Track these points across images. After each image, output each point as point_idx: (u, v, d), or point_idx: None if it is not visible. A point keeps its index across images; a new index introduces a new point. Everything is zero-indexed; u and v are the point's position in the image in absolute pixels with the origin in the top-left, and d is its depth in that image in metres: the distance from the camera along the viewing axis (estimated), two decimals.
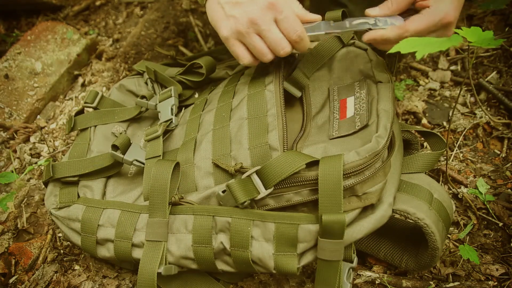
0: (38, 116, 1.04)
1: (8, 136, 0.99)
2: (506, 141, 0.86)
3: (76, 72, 1.11)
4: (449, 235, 0.75)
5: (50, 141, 0.98)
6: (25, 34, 1.10)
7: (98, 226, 0.64)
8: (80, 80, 1.10)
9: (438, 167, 0.83)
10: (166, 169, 0.61)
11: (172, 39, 1.15)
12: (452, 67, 0.99)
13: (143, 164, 0.67)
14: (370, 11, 0.61)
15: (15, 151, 0.97)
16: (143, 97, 0.77)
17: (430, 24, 0.57)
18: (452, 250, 0.72)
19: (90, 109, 0.81)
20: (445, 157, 0.83)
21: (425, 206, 0.59)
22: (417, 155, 0.66)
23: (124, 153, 0.67)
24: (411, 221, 0.62)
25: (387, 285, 0.67)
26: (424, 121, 0.90)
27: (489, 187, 0.79)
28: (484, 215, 0.76)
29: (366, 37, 0.61)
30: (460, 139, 0.87)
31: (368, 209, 0.56)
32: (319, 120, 0.66)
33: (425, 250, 0.61)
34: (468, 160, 0.85)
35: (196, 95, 0.81)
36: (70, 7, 1.27)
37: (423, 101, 0.94)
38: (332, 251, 0.53)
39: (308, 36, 0.62)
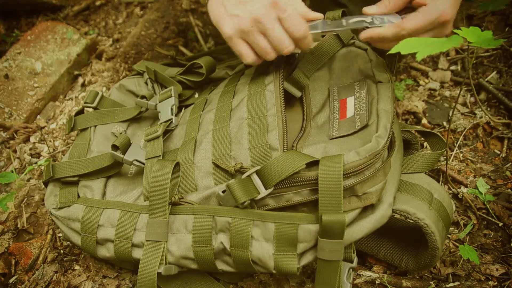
0: (38, 116, 1.04)
1: (8, 136, 0.99)
2: (506, 141, 0.86)
3: (76, 72, 1.11)
4: (449, 235, 0.75)
5: (50, 141, 0.98)
6: (25, 34, 1.11)
7: (98, 226, 0.64)
8: (80, 80, 1.10)
9: (438, 167, 0.83)
10: (166, 169, 0.61)
11: (172, 39, 1.15)
12: (452, 67, 0.99)
13: (143, 164, 0.67)
14: (367, 9, 0.61)
15: (15, 151, 0.97)
16: (143, 97, 0.77)
17: (427, 22, 0.57)
18: (452, 250, 0.72)
19: (90, 109, 0.81)
20: (445, 157, 0.83)
21: (425, 206, 0.59)
22: (417, 155, 0.66)
23: (124, 153, 0.67)
24: (411, 221, 0.62)
25: (387, 285, 0.67)
26: (424, 121, 0.90)
27: (489, 187, 0.79)
28: (484, 215, 0.76)
29: (363, 35, 0.60)
30: (460, 139, 0.87)
31: (368, 209, 0.56)
32: (319, 120, 0.66)
33: (425, 250, 0.61)
34: (468, 160, 0.85)
35: (196, 95, 0.81)
36: (70, 7, 1.27)
37: (423, 101, 0.94)
38: (332, 251, 0.53)
39: None
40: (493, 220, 0.75)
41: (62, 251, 0.78)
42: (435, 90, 0.96)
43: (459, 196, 0.79)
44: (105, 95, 0.83)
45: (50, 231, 0.81)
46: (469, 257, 0.65)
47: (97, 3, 1.28)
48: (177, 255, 0.60)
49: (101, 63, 1.12)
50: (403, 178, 0.62)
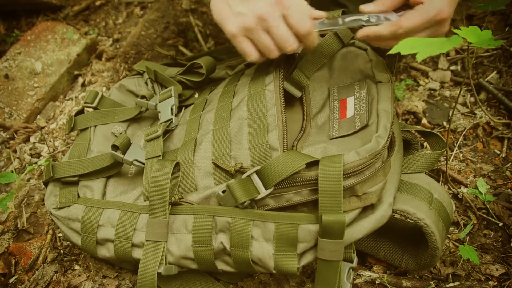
0: (38, 116, 1.04)
1: (8, 136, 0.99)
2: (506, 141, 0.86)
3: (76, 72, 1.11)
4: (449, 235, 0.75)
5: (50, 141, 0.98)
6: (25, 34, 1.10)
7: (98, 226, 0.64)
8: (80, 80, 1.10)
9: (438, 167, 0.83)
10: (166, 169, 0.61)
11: (172, 39, 1.15)
12: (452, 67, 0.99)
13: (143, 164, 0.67)
14: (364, 7, 0.61)
15: (15, 151, 0.97)
16: (143, 97, 0.77)
17: (424, 20, 0.56)
18: (452, 250, 0.72)
19: (90, 109, 0.81)
20: (445, 157, 0.83)
21: (425, 206, 0.59)
22: (417, 155, 0.66)
23: (124, 153, 0.67)
24: (411, 221, 0.62)
25: (387, 285, 0.67)
26: (424, 121, 0.90)
27: (489, 187, 0.79)
28: (484, 215, 0.76)
29: (360, 33, 0.60)
30: (460, 139, 0.87)
31: (368, 209, 0.56)
32: (319, 120, 0.66)
33: (425, 250, 0.61)
34: (468, 160, 0.85)
35: (196, 95, 0.81)
36: (70, 7, 1.27)
37: (423, 101, 0.94)
38: (332, 251, 0.53)
39: None
40: (493, 220, 0.75)
41: (62, 251, 0.78)
42: (435, 90, 0.96)
43: (459, 196, 0.79)
44: (105, 95, 0.83)
45: (50, 231, 0.81)
46: (469, 257, 0.65)
47: (97, 3, 1.28)
48: (177, 255, 0.60)
49: (101, 63, 1.12)
50: (403, 178, 0.62)
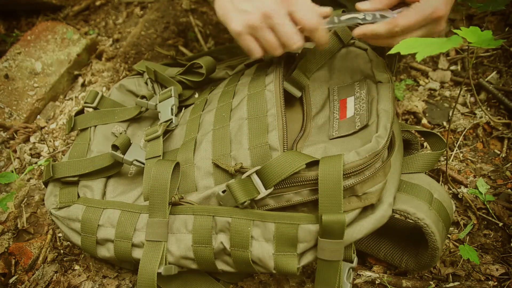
0: (38, 116, 1.04)
1: (8, 136, 0.99)
2: (506, 141, 0.86)
3: (76, 72, 1.11)
4: (449, 235, 0.75)
5: (50, 141, 0.98)
6: (25, 34, 1.10)
7: (98, 226, 0.64)
8: (80, 80, 1.10)
9: (438, 167, 0.83)
10: (166, 169, 0.61)
11: (172, 39, 1.15)
12: (452, 67, 0.99)
13: (143, 164, 0.67)
14: (360, 5, 0.60)
15: (15, 151, 0.97)
16: (143, 97, 0.77)
17: (420, 18, 0.56)
18: (452, 250, 0.72)
19: (90, 109, 0.81)
20: (445, 157, 0.83)
21: (425, 206, 0.59)
22: (417, 155, 0.66)
23: (124, 153, 0.67)
24: (411, 221, 0.62)
25: (387, 285, 0.67)
26: (424, 121, 0.90)
27: (489, 187, 0.79)
28: (484, 215, 0.76)
29: (356, 32, 0.60)
30: (460, 139, 0.87)
31: (368, 209, 0.56)
32: (319, 120, 0.66)
33: (425, 250, 0.61)
34: (468, 160, 0.85)
35: (196, 95, 0.81)
36: (70, 7, 1.27)
37: (423, 101, 0.94)
38: (332, 251, 0.53)
39: None
40: (493, 220, 0.75)
41: (62, 251, 0.78)
42: (435, 90, 0.96)
43: (459, 196, 0.79)
44: (105, 95, 0.83)
45: (50, 231, 0.81)
46: (469, 257, 0.65)
47: (97, 3, 1.28)
48: (177, 255, 0.60)
49: (101, 63, 1.12)
50: (403, 178, 0.62)
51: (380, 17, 0.59)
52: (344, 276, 0.56)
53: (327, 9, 0.61)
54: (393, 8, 0.60)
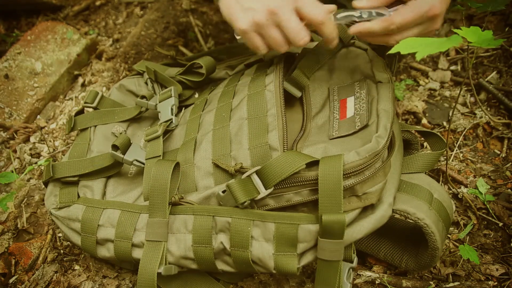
0: (38, 116, 1.04)
1: (8, 136, 0.99)
2: (506, 141, 0.86)
3: (76, 72, 1.11)
4: (449, 235, 0.75)
5: (50, 141, 0.98)
6: (25, 34, 1.10)
7: (98, 226, 0.64)
8: (80, 80, 1.10)
9: (438, 167, 0.83)
10: (166, 169, 0.61)
11: (172, 39, 1.15)
12: (452, 67, 0.99)
13: (143, 164, 0.67)
14: (357, 2, 0.60)
15: (15, 151, 0.97)
16: (143, 97, 0.77)
17: (416, 16, 0.56)
18: (452, 250, 0.72)
19: (90, 109, 0.81)
20: (445, 157, 0.83)
21: (425, 206, 0.59)
22: (417, 155, 0.66)
23: (124, 153, 0.67)
24: (411, 221, 0.62)
25: (387, 285, 0.67)
26: (424, 121, 0.90)
27: (489, 187, 0.79)
28: (484, 215, 0.76)
29: (352, 30, 0.60)
30: (460, 139, 0.87)
31: (368, 209, 0.56)
32: (319, 120, 0.66)
33: (425, 250, 0.61)
34: (468, 160, 0.85)
35: (196, 95, 0.81)
36: (70, 7, 1.27)
37: (423, 101, 0.94)
38: (332, 251, 0.53)
39: None
40: (493, 220, 0.75)
41: (62, 251, 0.78)
42: (435, 90, 0.96)
43: (459, 196, 0.79)
44: (105, 95, 0.83)
45: (50, 231, 0.81)
46: (469, 257, 0.65)
47: (97, 3, 1.28)
48: (177, 255, 0.60)
49: (101, 63, 1.12)
50: (403, 178, 0.62)
51: (376, 14, 0.59)
52: (344, 276, 0.56)
53: (332, 6, 0.61)
54: (389, 6, 0.59)
